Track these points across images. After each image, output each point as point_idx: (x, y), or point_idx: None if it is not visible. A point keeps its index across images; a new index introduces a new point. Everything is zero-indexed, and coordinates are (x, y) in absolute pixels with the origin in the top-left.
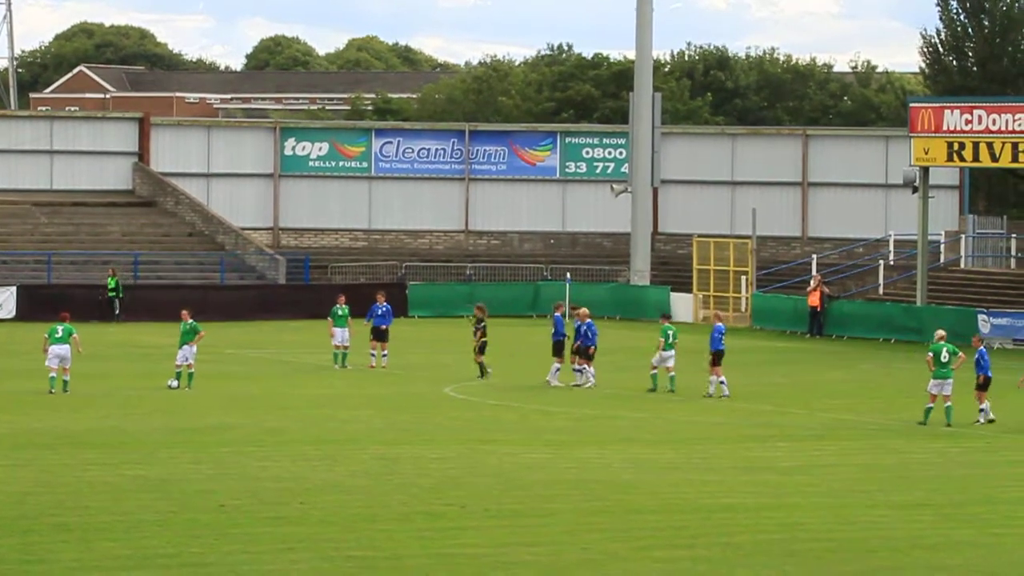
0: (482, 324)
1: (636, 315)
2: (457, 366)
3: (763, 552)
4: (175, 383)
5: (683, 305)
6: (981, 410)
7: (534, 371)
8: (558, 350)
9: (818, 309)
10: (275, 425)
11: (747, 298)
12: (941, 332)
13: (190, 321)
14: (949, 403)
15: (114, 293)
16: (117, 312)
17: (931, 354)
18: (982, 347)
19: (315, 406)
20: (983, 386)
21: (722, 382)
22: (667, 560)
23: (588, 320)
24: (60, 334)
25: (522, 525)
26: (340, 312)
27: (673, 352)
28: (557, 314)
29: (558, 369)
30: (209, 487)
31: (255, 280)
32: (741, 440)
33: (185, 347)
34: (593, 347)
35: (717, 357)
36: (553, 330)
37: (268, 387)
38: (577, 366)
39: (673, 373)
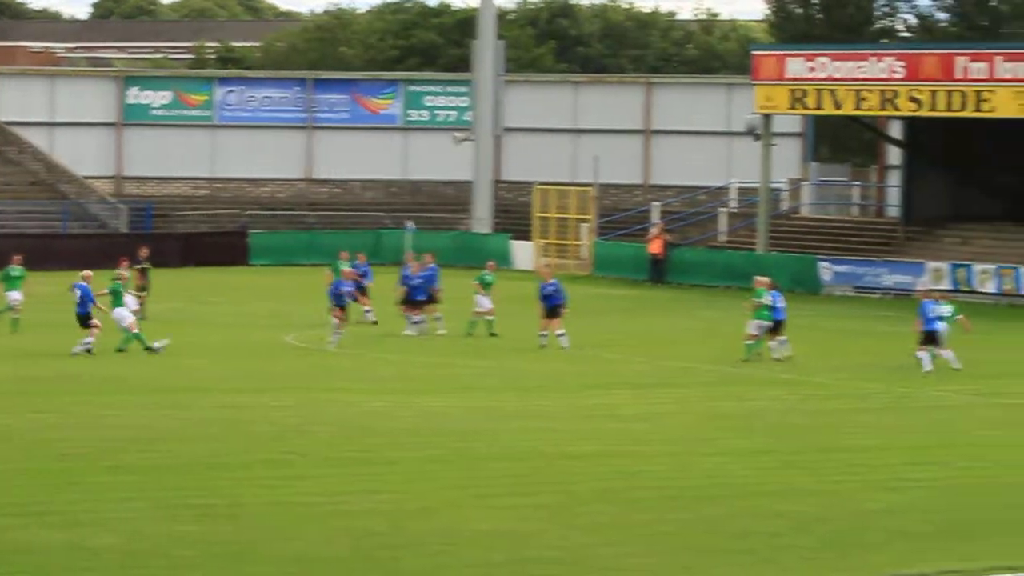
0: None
1: (478, 262)
2: (298, 314)
3: (604, 500)
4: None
5: (524, 253)
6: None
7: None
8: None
9: (659, 257)
10: (117, 373)
11: (588, 246)
12: (761, 279)
13: (20, 267)
14: (751, 342)
15: None
16: None
17: (756, 299)
18: (774, 291)
19: (157, 355)
20: (774, 330)
21: (560, 335)
22: (507, 508)
23: (432, 266)
24: None
25: (363, 473)
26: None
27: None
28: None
29: (416, 322)
30: (51, 436)
31: (97, 229)
32: (582, 388)
33: (14, 292)
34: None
35: (551, 311)
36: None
37: (107, 338)
38: (414, 316)
39: (490, 318)
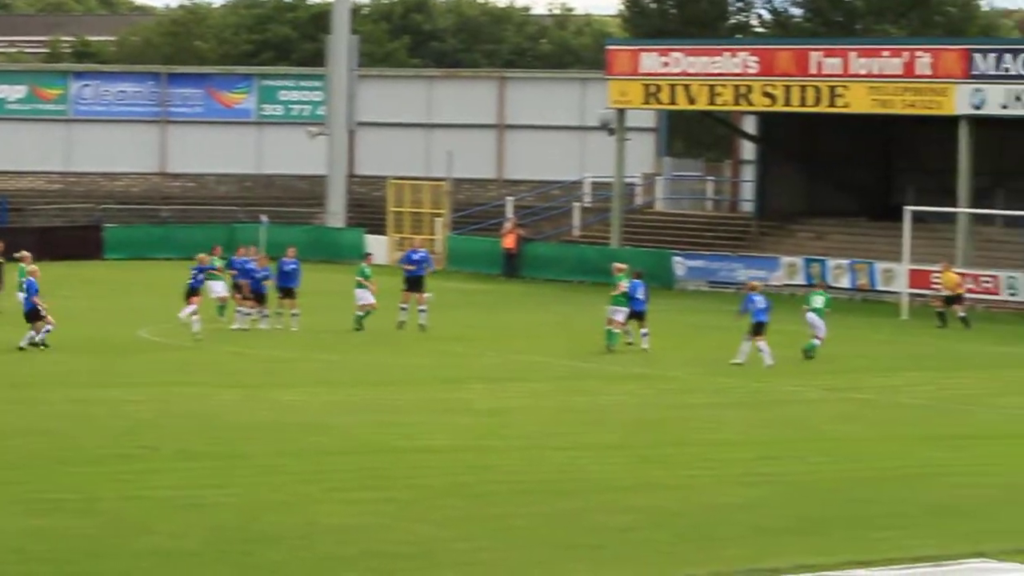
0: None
1: (332, 256)
2: (152, 309)
3: (456, 494)
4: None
5: (378, 247)
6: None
7: (230, 314)
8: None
9: (513, 251)
10: None
11: (442, 240)
12: (619, 264)
13: None
14: (612, 327)
15: None
16: None
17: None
18: (636, 280)
19: (4, 350)
20: (636, 317)
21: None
22: (359, 502)
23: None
24: None
25: (215, 467)
26: None
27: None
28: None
29: (265, 315)
30: None
31: None
32: (435, 382)
33: None
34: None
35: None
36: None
37: None
38: (246, 309)
39: (360, 313)
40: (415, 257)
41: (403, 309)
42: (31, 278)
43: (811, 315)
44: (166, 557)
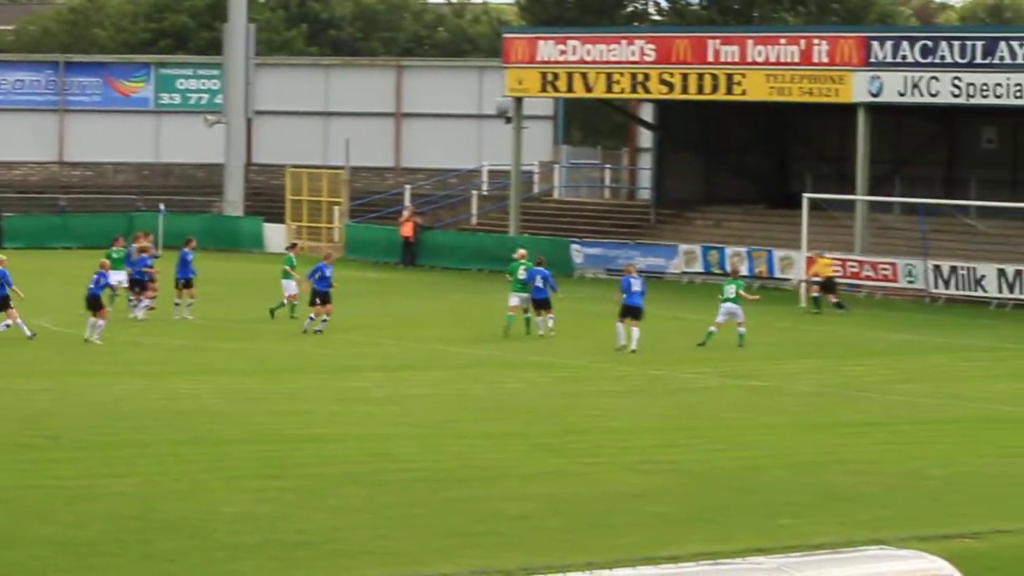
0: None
1: (230, 245)
2: (51, 298)
3: (353, 482)
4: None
5: (276, 236)
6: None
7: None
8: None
9: (411, 239)
10: None
11: (340, 228)
12: (521, 251)
13: None
14: (521, 314)
15: None
16: None
17: (509, 274)
18: (540, 267)
19: None
20: (540, 305)
21: (324, 319)
22: (257, 490)
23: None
24: None
25: (114, 456)
26: None
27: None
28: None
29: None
30: None
31: None
32: (333, 371)
33: None
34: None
35: (320, 296)
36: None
37: None
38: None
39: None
40: (327, 273)
41: (311, 320)
42: None
43: (728, 306)
44: (65, 546)
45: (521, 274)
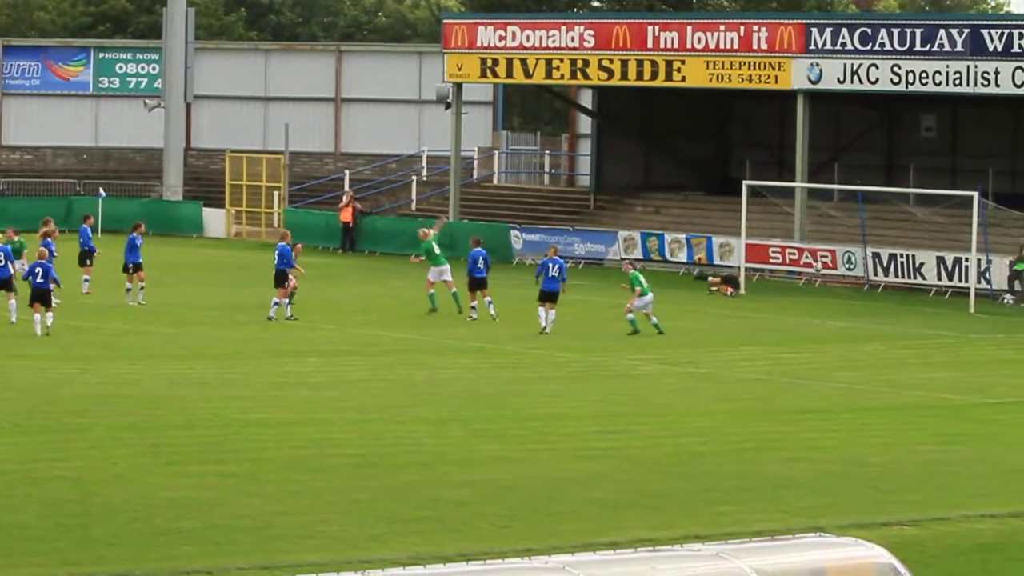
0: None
1: (169, 230)
2: None
3: (292, 468)
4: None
5: (216, 220)
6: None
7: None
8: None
9: (350, 225)
10: None
11: (279, 213)
12: (424, 230)
13: None
14: (444, 291)
15: None
16: None
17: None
18: (479, 248)
19: None
20: (477, 285)
21: (276, 303)
22: (197, 475)
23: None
24: None
25: (52, 441)
26: None
27: None
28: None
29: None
30: None
31: None
32: (272, 356)
33: None
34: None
35: (279, 279)
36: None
37: None
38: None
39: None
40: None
41: (276, 305)
42: None
43: (647, 297)
44: (2, 531)
45: (436, 250)
